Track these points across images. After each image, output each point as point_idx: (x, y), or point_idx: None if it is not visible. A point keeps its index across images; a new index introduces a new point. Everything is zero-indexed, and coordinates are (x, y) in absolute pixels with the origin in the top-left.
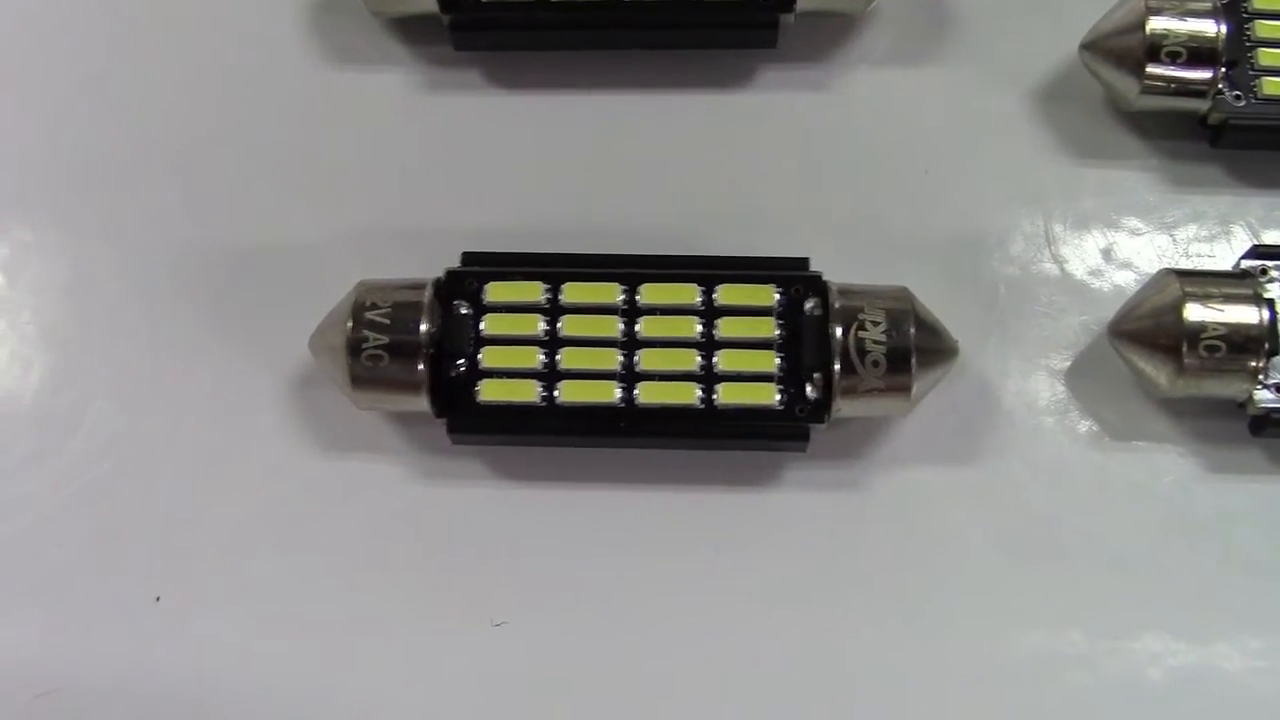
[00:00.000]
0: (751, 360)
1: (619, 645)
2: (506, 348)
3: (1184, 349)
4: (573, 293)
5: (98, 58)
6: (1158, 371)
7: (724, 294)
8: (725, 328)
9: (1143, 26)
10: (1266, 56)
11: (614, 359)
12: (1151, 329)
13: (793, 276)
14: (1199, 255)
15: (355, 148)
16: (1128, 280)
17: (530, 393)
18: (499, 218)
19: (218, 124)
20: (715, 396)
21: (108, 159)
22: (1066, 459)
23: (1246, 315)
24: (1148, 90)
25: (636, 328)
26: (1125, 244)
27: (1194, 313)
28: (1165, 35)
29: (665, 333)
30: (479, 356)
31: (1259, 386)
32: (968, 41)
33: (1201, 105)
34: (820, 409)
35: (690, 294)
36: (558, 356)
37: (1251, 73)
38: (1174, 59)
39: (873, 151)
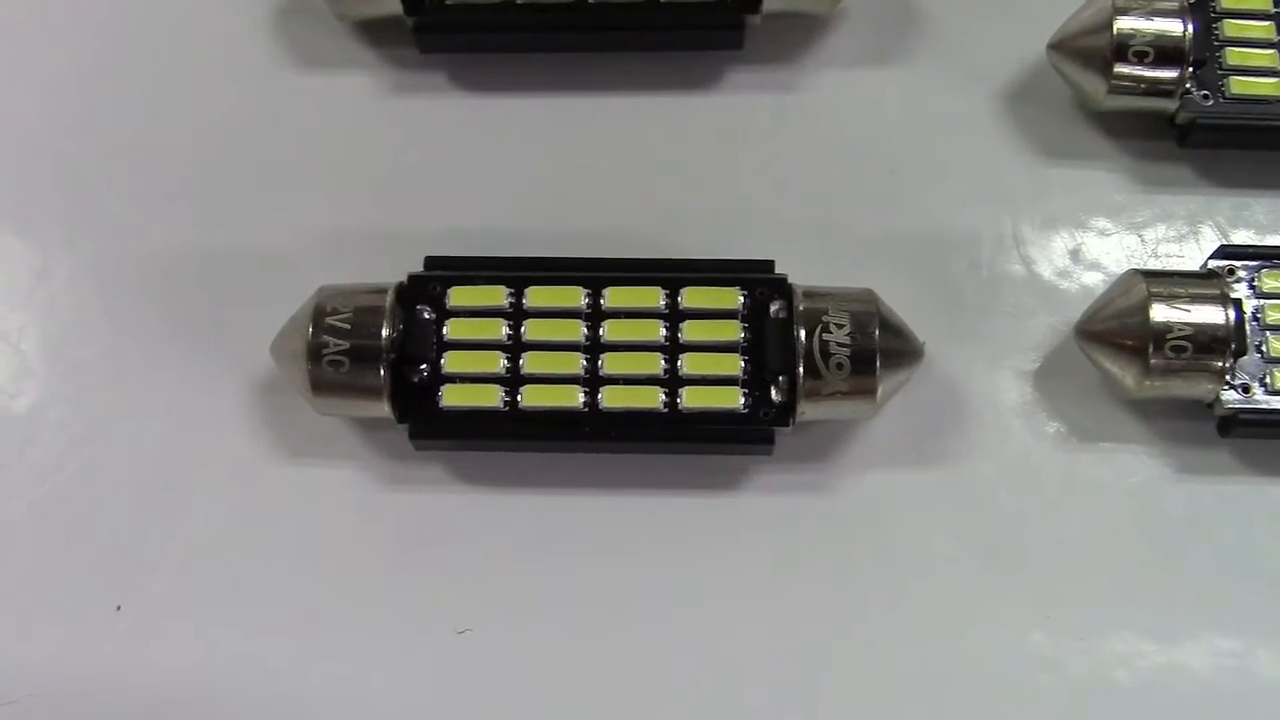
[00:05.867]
0: (716, 363)
1: (584, 652)
2: (469, 352)
3: (1150, 350)
4: (536, 296)
5: (62, 61)
6: (1124, 372)
7: (689, 297)
8: (690, 331)
9: (1110, 26)
10: (1234, 55)
11: (577, 363)
12: (1118, 330)
13: (758, 279)
14: (1167, 255)
15: (320, 151)
16: (1095, 281)
17: (493, 398)
18: (463, 221)
19: (182, 128)
20: (679, 400)
21: (71, 162)
22: (1034, 460)
23: (1213, 315)
24: (1115, 90)
25: (600, 331)
26: (1093, 244)
27: (1160, 313)
28: (1132, 35)
29: (629, 336)
30: (441, 361)
31: (1225, 387)
32: (935, 42)
33: (1169, 105)
34: (785, 412)
35: (654, 297)
36: (521, 361)
37: (1219, 72)
38: (1141, 58)
39: (839, 153)
